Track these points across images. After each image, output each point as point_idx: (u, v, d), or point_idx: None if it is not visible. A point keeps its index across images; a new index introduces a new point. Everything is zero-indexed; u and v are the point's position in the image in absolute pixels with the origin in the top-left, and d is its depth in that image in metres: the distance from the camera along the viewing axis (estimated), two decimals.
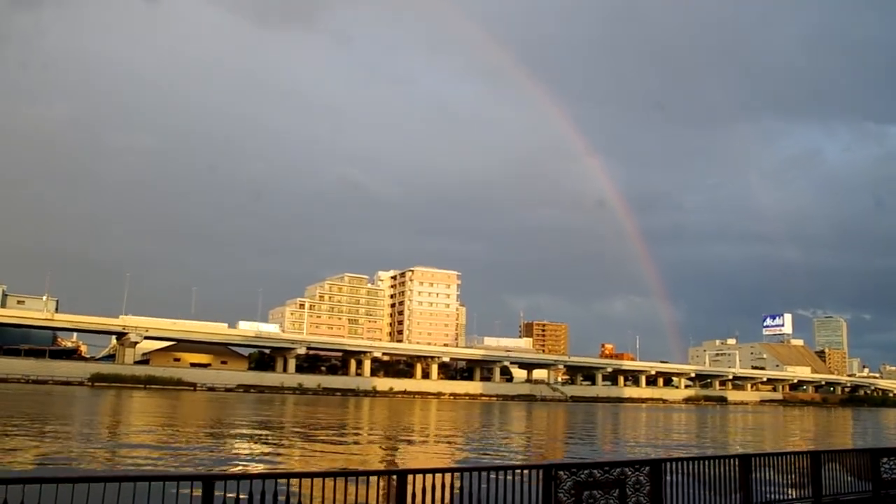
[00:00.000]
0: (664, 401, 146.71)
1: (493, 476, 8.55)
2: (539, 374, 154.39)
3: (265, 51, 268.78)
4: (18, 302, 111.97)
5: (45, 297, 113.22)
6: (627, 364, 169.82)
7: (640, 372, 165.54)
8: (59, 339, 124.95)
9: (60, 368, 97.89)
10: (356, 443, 36.12)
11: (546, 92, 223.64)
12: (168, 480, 6.64)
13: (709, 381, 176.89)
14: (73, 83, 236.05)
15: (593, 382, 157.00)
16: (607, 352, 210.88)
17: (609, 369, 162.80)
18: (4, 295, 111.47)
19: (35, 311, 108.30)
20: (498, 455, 31.38)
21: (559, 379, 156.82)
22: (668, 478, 9.91)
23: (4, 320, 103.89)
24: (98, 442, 29.04)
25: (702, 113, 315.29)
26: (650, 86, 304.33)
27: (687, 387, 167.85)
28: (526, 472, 9.13)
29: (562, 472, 9.14)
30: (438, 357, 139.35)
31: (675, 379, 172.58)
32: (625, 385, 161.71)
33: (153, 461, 23.04)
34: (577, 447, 38.22)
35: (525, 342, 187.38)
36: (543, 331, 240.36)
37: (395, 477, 7.99)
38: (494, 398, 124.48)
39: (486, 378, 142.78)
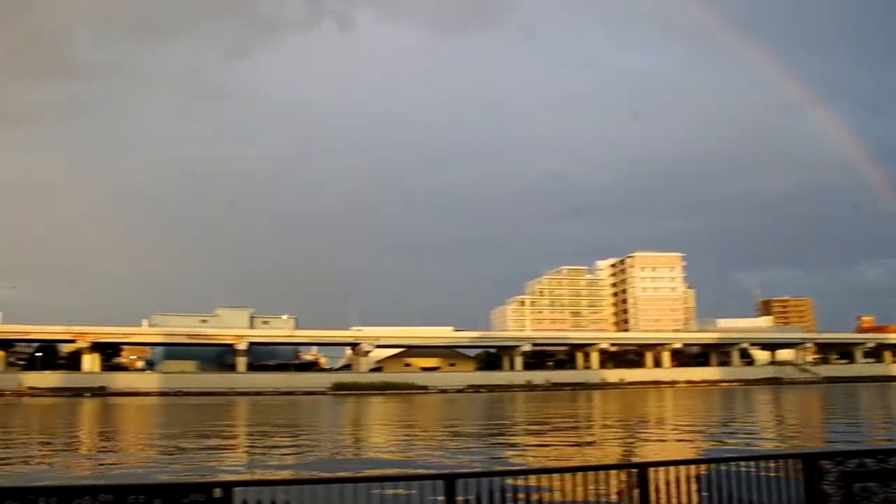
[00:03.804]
0: None
1: (742, 467, 7.90)
2: (783, 354, 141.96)
3: (458, 58, 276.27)
4: (263, 322, 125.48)
5: (285, 316, 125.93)
6: (894, 337, 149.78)
7: None
8: (299, 354, 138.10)
9: (305, 380, 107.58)
10: (589, 438, 35.70)
11: (757, 46, 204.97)
12: (412, 480, 6.92)
13: None
14: (283, 122, 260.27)
15: (851, 360, 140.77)
16: (865, 325, 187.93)
17: (870, 344, 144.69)
18: (252, 317, 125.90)
19: (278, 330, 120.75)
20: (745, 444, 29.29)
21: (808, 359, 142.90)
22: None
23: (254, 339, 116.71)
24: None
25: None
26: (887, 20, 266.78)
27: None
28: (779, 462, 8.33)
29: (824, 462, 8.19)
30: (669, 344, 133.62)
31: None
32: (893, 362, 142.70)
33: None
34: (839, 434, 34.46)
35: (764, 321, 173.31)
36: (785, 307, 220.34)
37: (635, 471, 7.69)
38: (735, 383, 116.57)
39: (724, 363, 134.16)
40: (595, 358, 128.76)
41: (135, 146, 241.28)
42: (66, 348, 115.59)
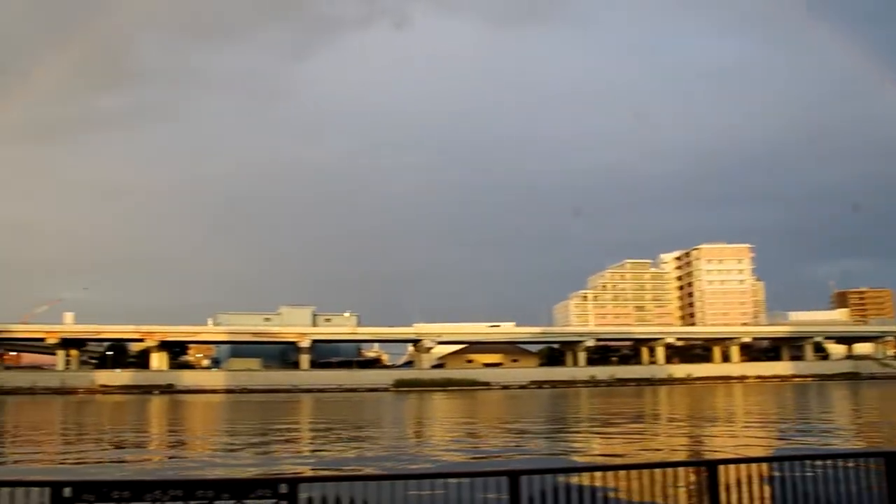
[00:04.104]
0: None
1: (818, 465, 7.56)
2: (861, 348, 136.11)
3: (515, 52, 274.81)
4: (326, 320, 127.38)
5: (347, 314, 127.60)
6: None
7: None
8: (362, 351, 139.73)
9: (368, 377, 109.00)
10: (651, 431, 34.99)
11: (831, 27, 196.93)
12: (476, 476, 6.88)
13: None
14: (343, 120, 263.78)
15: None
16: None
17: None
18: (315, 315, 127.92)
19: (340, 327, 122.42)
20: (821, 442, 28.21)
21: (889, 352, 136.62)
22: None
23: (317, 337, 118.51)
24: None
25: None
26: None
27: None
28: (859, 461, 7.94)
29: None
30: (738, 338, 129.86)
31: None
32: None
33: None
34: None
35: (839, 314, 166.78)
36: (862, 299, 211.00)
37: (704, 469, 7.46)
38: (809, 378, 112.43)
39: (796, 357, 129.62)
40: (660, 353, 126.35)
41: (201, 148, 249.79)
42: (135, 347, 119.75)
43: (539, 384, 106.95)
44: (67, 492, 5.39)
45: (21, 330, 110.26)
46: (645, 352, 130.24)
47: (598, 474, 7.51)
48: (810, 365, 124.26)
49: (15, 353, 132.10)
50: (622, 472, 7.40)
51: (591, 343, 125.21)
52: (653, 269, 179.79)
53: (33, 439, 34.94)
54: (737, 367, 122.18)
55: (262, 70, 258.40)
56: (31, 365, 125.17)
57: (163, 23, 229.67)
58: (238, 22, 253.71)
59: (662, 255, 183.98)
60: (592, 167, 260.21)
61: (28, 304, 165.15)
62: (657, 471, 7.51)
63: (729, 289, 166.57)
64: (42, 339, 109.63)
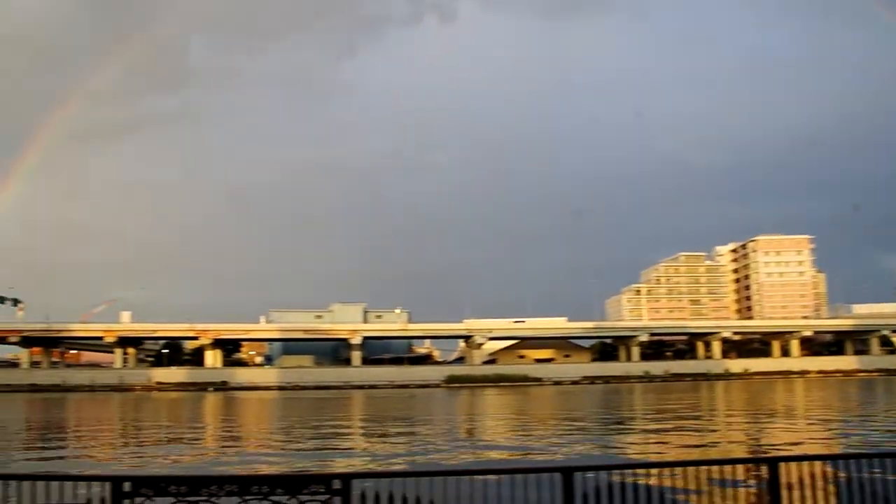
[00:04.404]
0: None
1: (887, 465, 7.25)
2: None
3: (563, 43, 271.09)
4: (377, 317, 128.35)
5: (398, 310, 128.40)
6: None
7: None
8: (413, 347, 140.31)
9: (419, 373, 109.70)
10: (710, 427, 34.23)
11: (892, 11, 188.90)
12: (529, 472, 6.81)
13: None
14: (390, 118, 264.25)
15: None
16: None
17: None
18: (365, 312, 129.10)
19: (391, 324, 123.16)
20: (889, 441, 27.15)
21: None
22: None
23: (368, 333, 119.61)
24: None
25: None
26: None
27: None
28: None
29: None
30: (798, 331, 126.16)
31: None
32: None
33: None
34: None
35: None
36: None
37: (765, 466, 7.24)
38: (875, 373, 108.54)
39: (861, 351, 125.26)
40: (717, 347, 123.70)
41: (248, 147, 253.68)
42: (189, 345, 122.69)
43: (592, 380, 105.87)
44: (127, 486, 5.53)
45: (80, 329, 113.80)
46: (700, 346, 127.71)
47: (653, 471, 7.36)
48: (876, 359, 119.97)
49: (75, 352, 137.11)
50: (678, 469, 7.24)
51: (644, 338, 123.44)
52: (708, 262, 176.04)
53: (93, 435, 36.13)
54: (797, 362, 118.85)
55: (307, 70, 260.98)
56: (91, 363, 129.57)
57: (208, 25, 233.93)
58: (280, 21, 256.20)
59: (717, 248, 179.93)
60: (646, 159, 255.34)
61: (87, 303, 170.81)
62: (715, 468, 7.33)
63: (788, 281, 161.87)
64: (100, 338, 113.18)
